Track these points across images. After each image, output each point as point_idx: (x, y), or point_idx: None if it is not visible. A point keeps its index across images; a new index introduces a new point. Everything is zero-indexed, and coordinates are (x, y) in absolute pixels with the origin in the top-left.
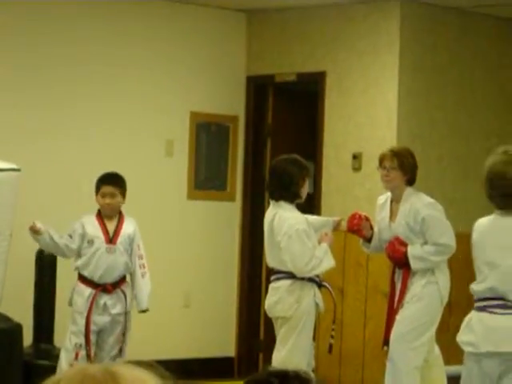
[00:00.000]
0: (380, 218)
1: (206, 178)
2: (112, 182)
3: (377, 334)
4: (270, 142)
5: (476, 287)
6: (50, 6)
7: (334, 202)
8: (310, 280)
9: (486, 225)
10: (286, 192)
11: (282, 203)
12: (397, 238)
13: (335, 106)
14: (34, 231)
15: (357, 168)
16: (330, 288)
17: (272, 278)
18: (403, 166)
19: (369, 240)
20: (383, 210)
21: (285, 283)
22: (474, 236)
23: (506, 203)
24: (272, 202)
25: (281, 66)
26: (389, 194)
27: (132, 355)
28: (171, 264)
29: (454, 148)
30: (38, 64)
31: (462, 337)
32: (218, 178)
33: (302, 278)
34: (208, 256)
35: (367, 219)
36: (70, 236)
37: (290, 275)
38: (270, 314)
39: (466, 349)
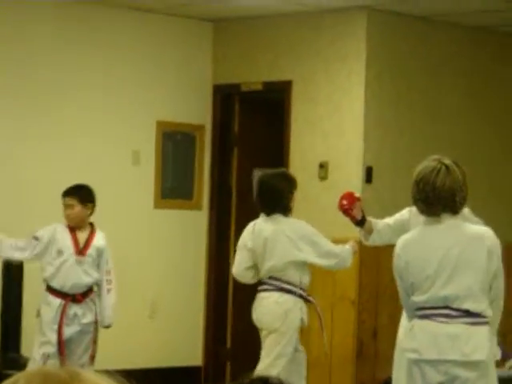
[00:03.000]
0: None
1: (173, 187)
2: (68, 193)
3: (343, 342)
4: (237, 151)
5: (417, 298)
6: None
7: (301, 211)
8: (298, 295)
9: (415, 241)
10: (278, 206)
11: (277, 216)
12: None
13: (301, 114)
14: None
15: (323, 177)
16: (315, 304)
17: (261, 287)
18: None
19: (358, 223)
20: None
21: (273, 295)
22: (406, 256)
23: (428, 210)
24: (263, 216)
25: (247, 75)
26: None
27: (98, 365)
28: (137, 273)
29: (423, 156)
30: None
31: (405, 344)
32: (184, 187)
33: (291, 292)
34: (175, 265)
35: (359, 200)
36: (36, 238)
37: (279, 288)
38: (257, 325)
39: (410, 356)
